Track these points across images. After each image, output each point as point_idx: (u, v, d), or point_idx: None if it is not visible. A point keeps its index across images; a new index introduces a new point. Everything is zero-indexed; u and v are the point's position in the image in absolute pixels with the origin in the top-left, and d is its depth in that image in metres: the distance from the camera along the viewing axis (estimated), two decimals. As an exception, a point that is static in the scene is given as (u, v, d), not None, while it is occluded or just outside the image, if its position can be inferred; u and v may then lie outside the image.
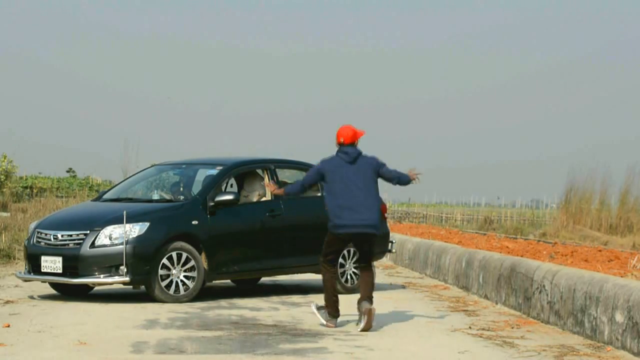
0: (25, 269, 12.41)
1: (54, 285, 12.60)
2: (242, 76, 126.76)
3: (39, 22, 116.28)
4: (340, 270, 13.57)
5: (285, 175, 13.88)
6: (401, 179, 10.15)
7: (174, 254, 11.97)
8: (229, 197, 12.46)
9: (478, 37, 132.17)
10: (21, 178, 38.37)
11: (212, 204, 12.37)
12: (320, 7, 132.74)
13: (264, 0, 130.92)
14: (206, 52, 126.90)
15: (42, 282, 12.50)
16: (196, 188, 12.96)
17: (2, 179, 32.59)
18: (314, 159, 14.22)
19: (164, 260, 11.90)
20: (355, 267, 13.77)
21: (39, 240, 12.15)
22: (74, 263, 11.76)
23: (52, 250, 11.94)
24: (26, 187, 37.00)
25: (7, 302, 11.69)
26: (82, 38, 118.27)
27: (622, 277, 9.80)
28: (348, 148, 9.95)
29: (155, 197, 13.16)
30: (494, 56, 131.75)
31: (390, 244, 14.67)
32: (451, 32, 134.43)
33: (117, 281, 11.77)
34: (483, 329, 10.00)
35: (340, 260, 13.63)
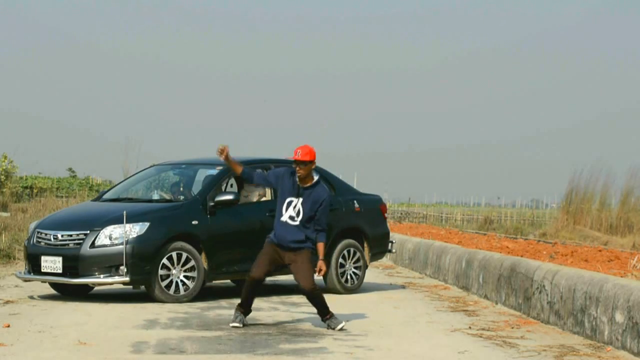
0: (25, 269, 12.40)
1: (54, 285, 12.59)
2: (243, 76, 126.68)
3: (40, 21, 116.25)
4: (340, 271, 13.60)
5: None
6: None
7: (174, 254, 11.97)
8: (229, 197, 12.45)
9: (480, 42, 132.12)
10: (21, 178, 38.39)
11: (212, 204, 12.36)
12: (321, 22, 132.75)
13: (269, 16, 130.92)
14: (206, 51, 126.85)
15: (42, 282, 12.49)
16: (196, 188, 12.96)
17: (2, 179, 32.60)
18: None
19: (164, 260, 11.89)
20: (355, 267, 13.78)
21: (39, 240, 12.14)
22: (74, 263, 11.75)
23: (52, 250, 11.93)
24: (26, 187, 37.02)
25: (7, 302, 11.68)
26: (83, 38, 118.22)
27: (622, 277, 9.79)
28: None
29: (155, 197, 13.15)
30: (495, 58, 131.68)
31: (390, 244, 14.68)
32: (452, 34, 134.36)
33: (117, 281, 11.77)
34: (483, 329, 10.00)
35: (341, 260, 13.66)
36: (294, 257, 9.90)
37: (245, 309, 9.97)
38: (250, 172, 10.24)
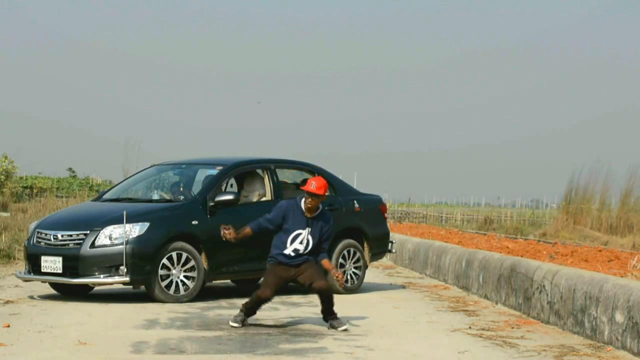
0: (25, 269, 12.40)
1: (54, 285, 12.59)
2: (243, 76, 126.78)
3: (40, 21, 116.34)
4: (340, 270, 13.59)
5: (285, 175, 13.89)
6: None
7: (174, 254, 11.97)
8: (229, 197, 12.45)
9: (480, 42, 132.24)
10: (21, 178, 38.40)
11: (212, 204, 12.36)
12: (322, 25, 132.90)
13: (268, 16, 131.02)
14: (205, 51, 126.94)
15: (42, 282, 12.49)
16: (196, 188, 12.96)
17: (3, 179, 32.60)
18: (313, 160, 14.26)
19: (164, 261, 11.89)
20: (355, 267, 13.78)
21: (39, 240, 12.14)
22: (74, 263, 11.75)
23: (52, 251, 11.94)
24: (26, 187, 37.03)
25: (7, 302, 11.69)
26: (83, 38, 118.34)
27: (622, 277, 9.79)
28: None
29: (155, 197, 13.15)
30: (495, 58, 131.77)
31: (390, 244, 14.68)
32: (452, 34, 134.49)
33: (117, 281, 11.77)
34: (483, 329, 10.00)
35: (341, 260, 13.67)
36: (301, 268, 9.96)
37: (249, 314, 10.00)
38: (258, 225, 10.16)
